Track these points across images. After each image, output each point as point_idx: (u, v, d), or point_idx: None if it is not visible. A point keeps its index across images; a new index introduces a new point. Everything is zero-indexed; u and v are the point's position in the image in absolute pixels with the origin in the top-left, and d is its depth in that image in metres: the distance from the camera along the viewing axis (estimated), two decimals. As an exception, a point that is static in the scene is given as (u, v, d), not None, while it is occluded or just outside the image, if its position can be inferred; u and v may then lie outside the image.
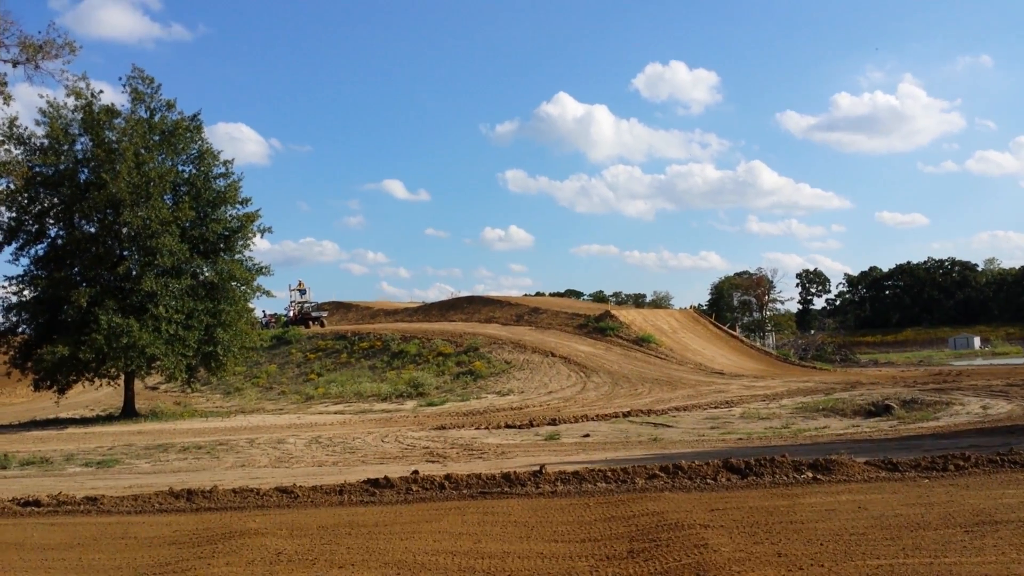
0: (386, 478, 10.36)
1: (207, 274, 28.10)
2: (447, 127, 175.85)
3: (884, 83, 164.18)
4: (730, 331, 49.94)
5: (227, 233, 28.45)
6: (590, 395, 27.84)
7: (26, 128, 27.12)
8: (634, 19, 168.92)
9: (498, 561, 6.61)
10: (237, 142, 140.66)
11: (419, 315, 54.23)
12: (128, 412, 28.04)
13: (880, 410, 19.13)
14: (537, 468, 10.64)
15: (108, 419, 27.33)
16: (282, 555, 7.02)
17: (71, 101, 26.72)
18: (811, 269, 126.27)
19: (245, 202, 28.89)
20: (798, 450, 12.84)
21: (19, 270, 31.02)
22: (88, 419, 27.94)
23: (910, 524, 7.26)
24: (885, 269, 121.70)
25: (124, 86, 27.72)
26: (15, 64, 19.60)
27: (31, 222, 27.70)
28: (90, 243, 27.03)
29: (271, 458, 15.44)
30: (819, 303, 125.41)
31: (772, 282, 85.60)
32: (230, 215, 28.77)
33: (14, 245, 27.37)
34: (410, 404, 28.01)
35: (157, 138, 27.88)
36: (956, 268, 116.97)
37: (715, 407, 22.48)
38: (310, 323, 47.93)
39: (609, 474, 10.15)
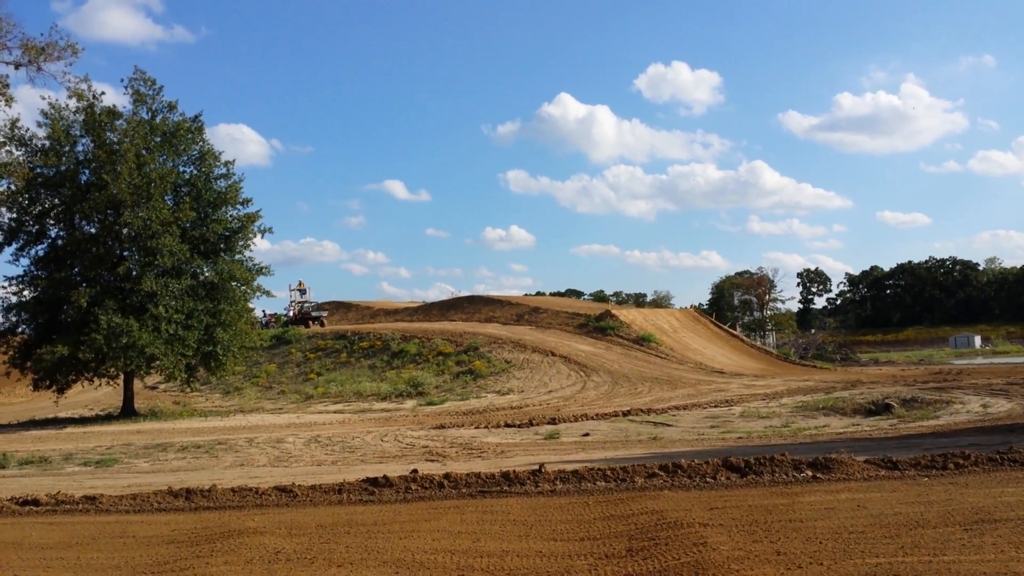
0: (385, 477, 10.35)
1: (207, 274, 28.13)
2: (448, 127, 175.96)
3: (887, 83, 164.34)
4: (730, 330, 49.91)
5: (227, 233, 28.48)
6: (590, 394, 27.82)
7: (27, 130, 27.20)
8: (636, 20, 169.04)
9: (497, 560, 6.61)
10: (238, 143, 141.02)
11: (419, 315, 54.22)
12: (127, 411, 28.05)
13: (880, 409, 19.10)
14: (536, 467, 10.63)
15: (107, 418, 27.34)
16: (281, 554, 7.01)
17: (73, 103, 26.86)
18: (812, 269, 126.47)
19: (246, 203, 28.98)
20: (798, 449, 12.83)
21: (19, 270, 31.09)
22: (87, 418, 27.93)
23: (909, 522, 7.25)
24: (886, 268, 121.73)
25: (126, 88, 27.89)
26: (17, 66, 19.65)
27: (32, 223, 27.73)
28: (90, 243, 27.06)
29: (270, 457, 15.45)
30: (820, 302, 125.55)
31: (773, 282, 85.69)
32: (231, 216, 28.81)
33: (14, 245, 27.43)
34: (410, 403, 27.99)
35: (158, 139, 27.93)
36: (957, 267, 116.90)
37: (715, 406, 22.47)
38: (310, 323, 48.01)
39: (608, 473, 10.14)
